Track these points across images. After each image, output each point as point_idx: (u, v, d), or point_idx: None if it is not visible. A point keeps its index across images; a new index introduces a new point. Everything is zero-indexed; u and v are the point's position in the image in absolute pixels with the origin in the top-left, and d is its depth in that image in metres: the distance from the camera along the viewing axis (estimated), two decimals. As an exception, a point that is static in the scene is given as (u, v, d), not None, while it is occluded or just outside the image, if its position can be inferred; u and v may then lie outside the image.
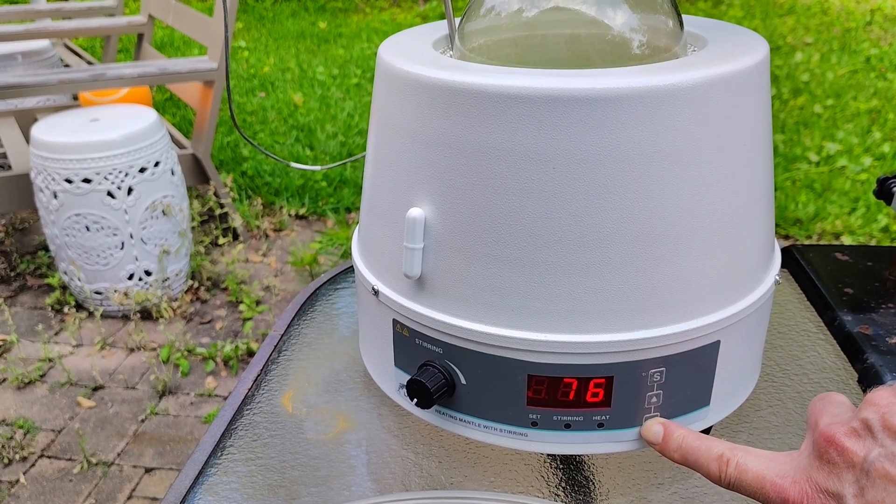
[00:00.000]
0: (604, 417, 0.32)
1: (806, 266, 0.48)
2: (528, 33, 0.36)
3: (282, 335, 0.45)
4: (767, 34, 3.09)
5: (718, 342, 0.32)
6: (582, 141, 0.28)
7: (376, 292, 0.35)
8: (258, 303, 1.51)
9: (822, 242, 1.64)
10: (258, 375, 0.41)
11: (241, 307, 1.49)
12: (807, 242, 1.63)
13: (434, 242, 0.31)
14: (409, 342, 0.34)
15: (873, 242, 1.63)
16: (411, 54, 0.33)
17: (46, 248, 1.67)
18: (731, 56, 0.30)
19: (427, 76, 0.30)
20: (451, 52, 0.37)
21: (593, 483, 0.34)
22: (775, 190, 1.84)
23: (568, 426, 0.32)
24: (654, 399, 0.31)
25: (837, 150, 2.02)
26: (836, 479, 0.22)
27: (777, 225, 1.72)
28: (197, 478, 0.34)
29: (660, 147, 0.28)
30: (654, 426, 0.31)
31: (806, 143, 2.07)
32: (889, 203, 0.47)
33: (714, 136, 0.29)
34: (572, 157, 0.28)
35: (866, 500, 0.21)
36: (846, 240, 1.66)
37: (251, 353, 1.37)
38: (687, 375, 0.31)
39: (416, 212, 0.31)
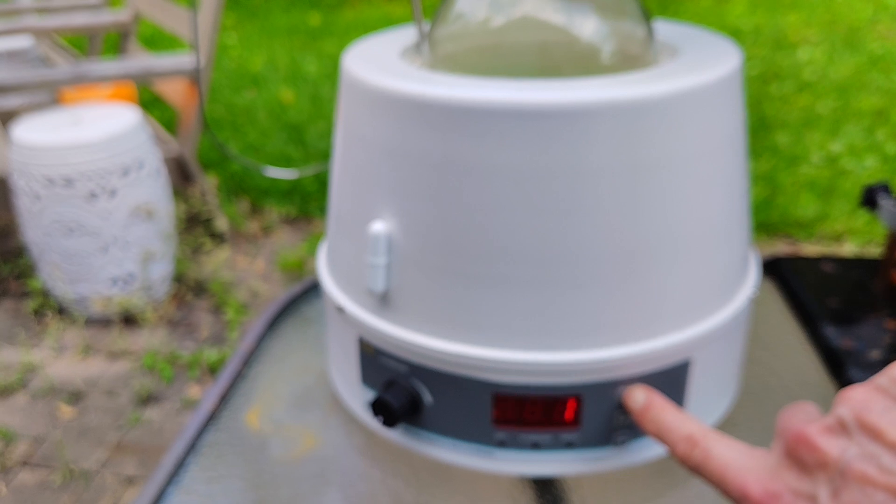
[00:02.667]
0: (573, 437, 0.31)
1: (790, 277, 0.47)
2: (497, 41, 0.35)
3: (251, 349, 0.44)
4: (771, 31, 3.07)
5: (689, 360, 0.31)
6: (548, 155, 0.27)
7: (341, 310, 0.34)
8: (244, 307, 1.49)
9: (823, 244, 1.63)
10: (225, 391, 0.40)
11: (227, 312, 1.48)
12: (807, 244, 1.62)
13: (399, 258, 0.30)
14: (374, 360, 0.33)
15: (875, 244, 1.62)
16: (376, 63, 0.32)
17: (27, 253, 1.65)
18: (704, 66, 0.29)
19: (391, 88, 0.29)
20: (419, 60, 0.36)
21: (564, 503, 0.33)
22: (777, 192, 1.83)
23: (536, 446, 0.31)
24: (624, 417, 0.31)
25: (841, 150, 1.99)
26: (808, 480, 0.21)
27: (778, 227, 1.71)
28: (158, 498, 0.33)
29: (629, 161, 0.27)
30: (638, 393, 0.29)
31: (808, 143, 2.05)
32: (874, 211, 0.46)
33: (687, 149, 0.28)
34: (538, 172, 0.27)
35: (841, 502, 0.20)
36: (849, 241, 1.65)
37: (236, 358, 1.35)
38: (658, 393, 0.31)
39: (378, 226, 0.30)
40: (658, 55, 0.33)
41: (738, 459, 0.23)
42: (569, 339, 0.29)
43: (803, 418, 0.22)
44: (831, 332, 0.41)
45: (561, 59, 0.33)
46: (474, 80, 0.29)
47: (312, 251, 1.69)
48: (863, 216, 1.71)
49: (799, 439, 0.21)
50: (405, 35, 0.38)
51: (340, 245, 0.34)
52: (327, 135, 2.26)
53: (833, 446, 0.20)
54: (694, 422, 0.26)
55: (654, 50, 0.33)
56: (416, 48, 0.36)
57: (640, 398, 0.29)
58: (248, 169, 2.03)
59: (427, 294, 0.30)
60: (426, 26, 0.35)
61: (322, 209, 1.88)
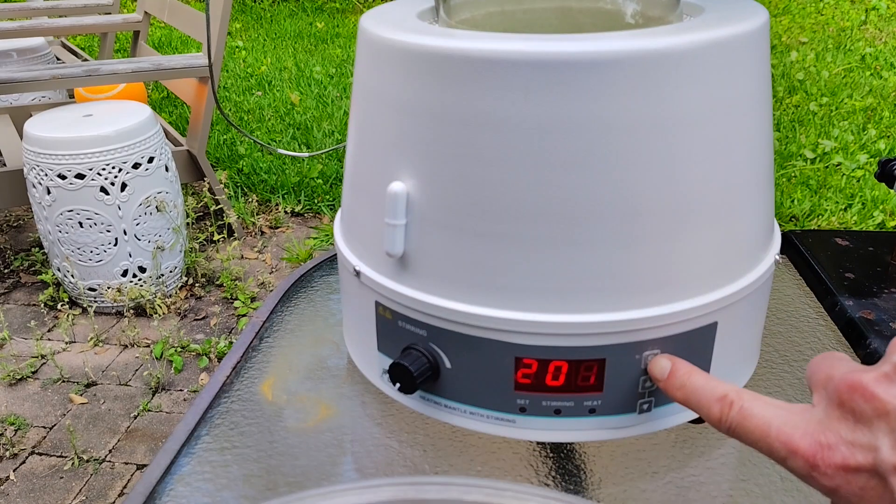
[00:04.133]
0: (595, 403, 0.30)
1: (805, 251, 0.47)
2: (515, 5, 0.34)
3: (264, 322, 0.43)
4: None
5: (716, 323, 0.30)
6: (572, 108, 0.26)
7: (358, 273, 0.33)
8: (253, 299, 1.50)
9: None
10: (237, 363, 0.40)
11: (236, 304, 1.48)
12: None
13: (417, 218, 0.30)
14: (391, 325, 0.32)
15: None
16: (394, 23, 0.32)
17: (40, 245, 1.66)
18: (729, 21, 0.29)
19: (410, 42, 0.29)
20: (436, 24, 0.35)
21: (584, 472, 0.32)
22: None
23: (558, 412, 0.30)
24: (649, 383, 0.30)
25: (833, 147, 2.00)
26: (866, 430, 0.19)
27: (772, 222, 1.70)
28: (169, 467, 0.33)
29: (655, 115, 0.27)
30: (662, 360, 0.28)
31: (801, 141, 2.06)
32: (891, 186, 0.45)
33: (712, 104, 0.28)
34: (562, 126, 0.27)
35: None
36: (844, 230, 1.64)
37: (245, 350, 1.35)
38: (683, 357, 0.30)
39: (397, 186, 0.30)
40: (682, 17, 0.33)
41: (780, 416, 0.22)
42: (593, 300, 0.28)
43: (847, 367, 0.21)
44: (850, 305, 0.41)
45: (582, 21, 0.33)
46: (493, 34, 0.28)
47: (320, 244, 1.69)
48: (855, 212, 1.70)
49: (854, 388, 0.20)
50: (420, 2, 0.37)
51: (357, 210, 0.34)
52: (332, 134, 2.27)
53: (893, 394, 0.19)
54: (725, 383, 0.25)
55: (679, 13, 0.33)
56: (433, 14, 0.36)
57: (664, 364, 0.28)
58: (256, 166, 2.04)
59: (447, 255, 0.30)
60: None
61: (328, 205, 1.88)
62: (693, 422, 0.32)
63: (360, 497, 0.22)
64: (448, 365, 0.31)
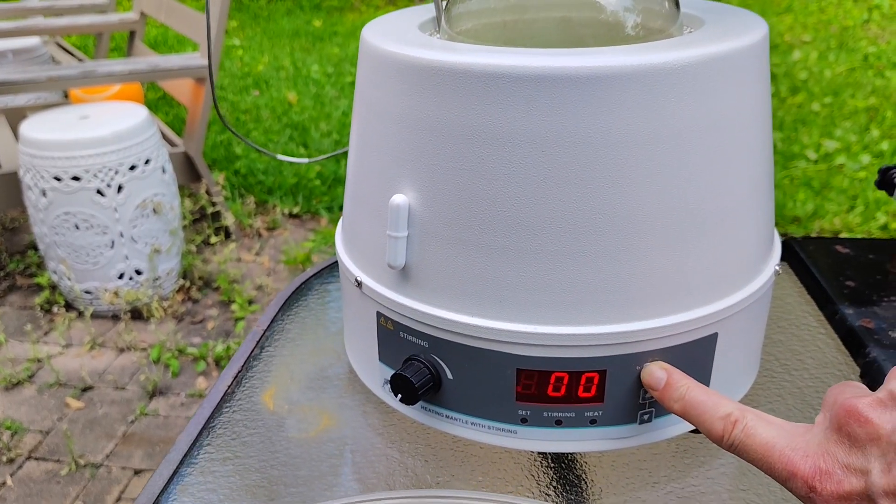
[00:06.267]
0: (596, 413, 0.30)
1: (806, 259, 0.47)
2: (517, 16, 0.34)
3: (265, 331, 0.43)
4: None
5: (716, 335, 0.30)
6: (573, 122, 0.27)
7: (359, 284, 0.33)
8: (250, 302, 1.49)
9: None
10: (238, 372, 0.40)
11: (233, 307, 1.47)
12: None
13: (419, 231, 0.30)
14: (393, 336, 0.32)
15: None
16: (396, 35, 0.32)
17: (35, 248, 1.65)
18: (729, 35, 0.29)
19: (411, 56, 0.29)
20: (437, 35, 0.35)
21: (585, 482, 0.32)
22: (773, 188, 1.82)
23: (559, 423, 0.31)
24: (649, 394, 0.30)
25: (836, 147, 2.01)
26: (860, 454, 0.20)
27: (775, 223, 1.71)
28: (172, 478, 0.33)
29: (655, 129, 0.27)
30: (657, 370, 0.28)
31: (804, 141, 2.06)
32: (891, 194, 0.46)
33: (713, 118, 0.28)
34: (563, 140, 0.27)
35: (895, 475, 0.19)
36: (845, 237, 1.65)
37: (243, 353, 1.34)
38: (683, 369, 0.30)
39: (399, 198, 0.30)
40: (683, 29, 0.33)
41: (782, 437, 0.22)
42: (594, 311, 0.29)
43: (851, 392, 0.22)
44: (850, 313, 0.41)
45: (584, 33, 0.33)
46: (495, 48, 0.28)
47: (318, 247, 1.69)
48: (858, 213, 1.71)
49: (849, 413, 0.21)
50: (422, 12, 0.37)
51: (359, 221, 0.34)
52: (330, 134, 2.26)
53: (885, 420, 0.20)
54: (727, 399, 0.26)
55: (680, 24, 0.33)
56: (434, 24, 0.36)
57: (659, 375, 0.28)
58: (253, 167, 2.03)
59: (448, 267, 0.30)
60: (443, 1, 0.35)
61: (326, 206, 1.87)
62: (693, 431, 0.32)
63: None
64: (450, 376, 0.31)
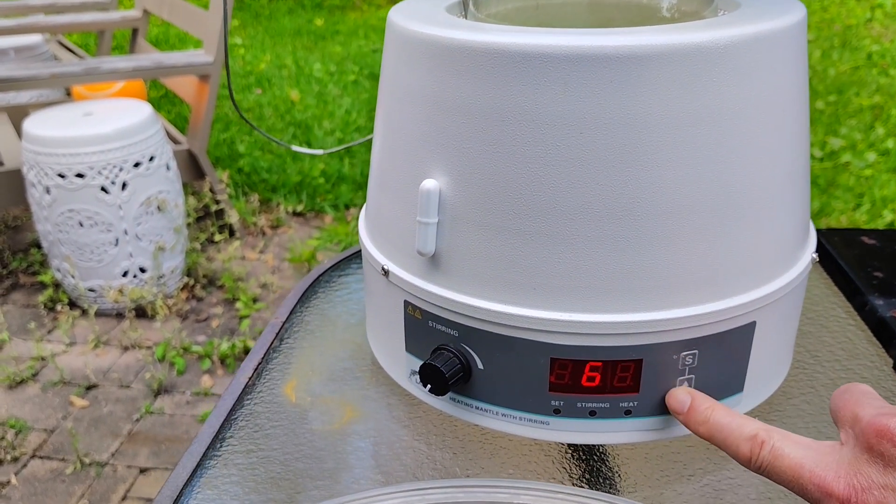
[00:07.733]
0: (631, 404, 0.30)
1: (832, 250, 0.46)
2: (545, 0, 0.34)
3: (283, 322, 0.42)
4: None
5: (754, 323, 0.30)
6: (610, 103, 0.26)
7: (386, 272, 0.33)
8: (255, 300, 1.49)
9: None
10: (259, 364, 0.39)
11: (238, 305, 1.47)
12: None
13: (449, 216, 0.29)
14: (421, 325, 0.32)
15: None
16: (424, 17, 0.31)
17: (39, 246, 1.64)
18: (768, 16, 0.28)
19: (444, 37, 0.28)
20: (463, 18, 0.35)
21: (619, 475, 0.32)
22: None
23: (593, 413, 0.30)
24: (685, 384, 0.29)
25: (841, 145, 2.01)
26: (895, 474, 0.20)
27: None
28: (195, 470, 0.32)
29: (693, 110, 0.26)
30: (681, 394, 0.28)
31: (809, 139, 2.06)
32: None
33: (751, 100, 0.27)
34: (599, 121, 0.26)
35: None
36: (870, 229, 1.64)
37: (248, 351, 1.34)
38: (720, 359, 0.29)
39: (430, 183, 0.29)
40: (717, 11, 0.32)
41: (811, 457, 0.22)
42: (630, 299, 0.28)
43: (876, 409, 0.22)
44: (880, 304, 0.40)
45: (615, 15, 0.32)
46: (533, 28, 0.27)
47: (323, 244, 1.68)
48: (865, 210, 1.70)
49: (880, 433, 0.21)
50: (447, -3, 0.36)
51: (385, 208, 0.33)
52: (333, 132, 2.26)
53: None
54: (751, 420, 0.25)
55: (714, 7, 0.32)
56: (460, 8, 0.35)
57: (683, 398, 0.28)
58: (257, 165, 2.02)
59: (480, 254, 0.29)
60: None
61: (331, 204, 1.87)
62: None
63: (409, 499, 0.22)
64: (480, 366, 0.30)
